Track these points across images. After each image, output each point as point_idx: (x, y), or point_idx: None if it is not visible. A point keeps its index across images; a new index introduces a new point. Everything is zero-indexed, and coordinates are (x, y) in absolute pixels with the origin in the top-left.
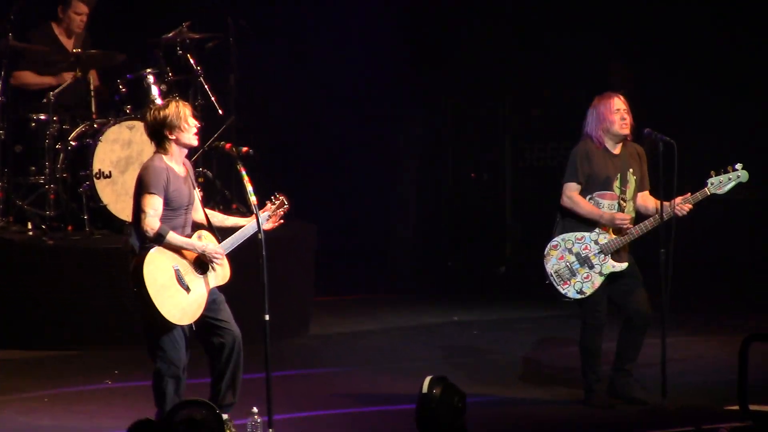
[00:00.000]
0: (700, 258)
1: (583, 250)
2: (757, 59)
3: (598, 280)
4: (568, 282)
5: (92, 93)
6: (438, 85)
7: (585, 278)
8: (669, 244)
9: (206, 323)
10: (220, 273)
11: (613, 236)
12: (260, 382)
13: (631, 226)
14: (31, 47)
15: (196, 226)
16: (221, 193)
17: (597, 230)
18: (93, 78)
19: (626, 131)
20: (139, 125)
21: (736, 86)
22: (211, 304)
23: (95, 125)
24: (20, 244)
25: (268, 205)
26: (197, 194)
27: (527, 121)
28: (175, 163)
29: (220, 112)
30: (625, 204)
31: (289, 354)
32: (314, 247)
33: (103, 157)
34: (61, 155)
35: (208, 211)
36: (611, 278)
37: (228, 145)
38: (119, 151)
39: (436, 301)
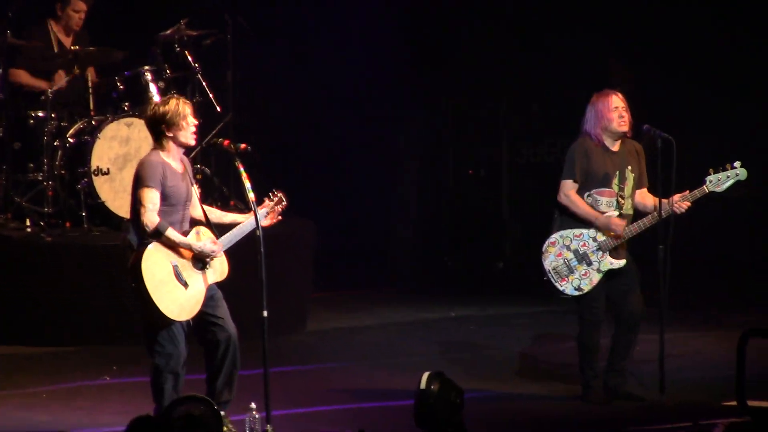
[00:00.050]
0: (699, 256)
1: (581, 247)
2: (757, 59)
3: (596, 277)
4: (566, 279)
5: (90, 90)
6: (438, 86)
7: (583, 275)
8: (667, 240)
9: (203, 319)
10: (219, 269)
11: (612, 233)
12: (258, 378)
13: (623, 234)
14: (29, 44)
15: (194, 223)
16: (219, 189)
17: (595, 227)
18: (91, 74)
19: (624, 129)
20: (137, 122)
21: (736, 86)
22: (208, 300)
23: (93, 122)
24: (18, 241)
25: (266, 201)
26: (195, 191)
27: (528, 122)
28: (172, 159)
29: (218, 109)
30: (623, 201)
31: (286, 350)
32: (312, 243)
33: (101, 154)
34: (60, 152)
35: (206, 207)
36: (609, 275)
37: (226, 142)
38: (117, 148)
39: (433, 297)
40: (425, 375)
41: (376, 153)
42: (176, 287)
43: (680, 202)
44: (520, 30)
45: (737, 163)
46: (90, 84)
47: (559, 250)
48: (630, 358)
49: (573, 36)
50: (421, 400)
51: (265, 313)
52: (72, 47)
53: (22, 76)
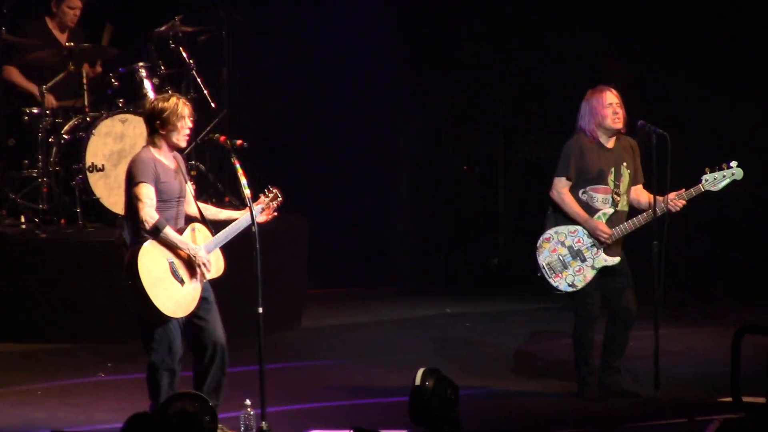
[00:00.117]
0: (694, 254)
1: (576, 243)
2: (756, 58)
3: (590, 274)
4: (560, 275)
5: (85, 86)
6: (437, 85)
7: (577, 271)
8: (662, 237)
9: (192, 322)
10: (215, 266)
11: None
12: (253, 375)
13: (610, 241)
14: (23, 41)
15: (190, 220)
16: (214, 186)
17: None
18: (87, 69)
19: (619, 125)
20: (132, 119)
21: (735, 85)
22: (202, 302)
23: (88, 119)
24: (13, 238)
25: (262, 197)
26: (189, 187)
27: (527, 120)
28: (164, 156)
29: (213, 105)
30: (619, 198)
31: (282, 347)
32: (308, 240)
33: (96, 150)
34: (54, 149)
35: (201, 204)
36: (604, 273)
37: (222, 138)
38: (112, 145)
39: (429, 294)
40: (420, 371)
41: (375, 151)
42: (172, 284)
43: (676, 200)
44: (519, 29)
45: (733, 163)
46: (85, 81)
47: (553, 246)
48: (624, 355)
49: (572, 35)
50: (416, 397)
51: (261, 310)
52: (67, 44)
53: (15, 76)
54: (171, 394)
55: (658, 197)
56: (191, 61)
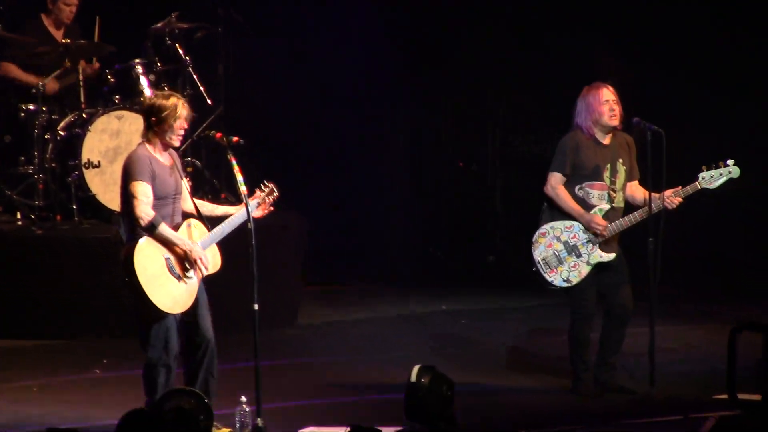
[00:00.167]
0: (691, 251)
1: (572, 238)
2: (755, 57)
3: (585, 270)
4: (555, 270)
5: (81, 83)
6: (437, 85)
7: (572, 267)
8: (658, 233)
9: (185, 320)
10: (212, 262)
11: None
12: (249, 371)
13: (606, 233)
14: (19, 38)
15: (186, 216)
16: (210, 182)
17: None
18: (83, 66)
19: (615, 122)
20: (128, 115)
21: (734, 84)
22: (196, 300)
23: (84, 115)
24: (9, 234)
25: (258, 192)
26: (185, 184)
27: (527, 120)
28: (159, 153)
29: (209, 102)
30: (615, 194)
31: (278, 343)
32: (304, 236)
33: (92, 146)
34: (50, 145)
35: (197, 200)
36: (599, 269)
37: (218, 135)
38: (108, 141)
39: (425, 291)
40: (416, 368)
41: (374, 151)
42: (169, 280)
43: (672, 198)
44: (518, 29)
45: (730, 161)
46: (81, 77)
47: (549, 241)
48: (620, 352)
49: (572, 35)
50: (411, 394)
51: (257, 306)
52: (63, 40)
53: (13, 70)
54: (167, 391)
55: (654, 194)
56: (187, 58)
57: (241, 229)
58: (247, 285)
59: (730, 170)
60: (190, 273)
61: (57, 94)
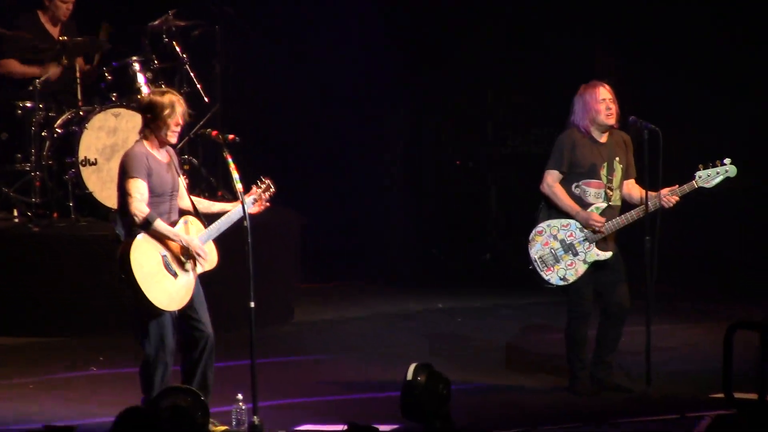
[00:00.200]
0: (687, 250)
1: (568, 237)
2: (755, 56)
3: (581, 268)
4: (552, 268)
5: (78, 80)
6: (437, 85)
7: (569, 265)
8: (654, 232)
9: (184, 317)
10: (208, 259)
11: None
12: (245, 369)
13: (604, 231)
14: (16, 35)
15: (183, 213)
16: (207, 180)
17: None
18: (80, 63)
19: (612, 121)
20: (125, 113)
21: (733, 83)
22: (194, 297)
23: (81, 113)
24: (5, 232)
25: (254, 188)
26: (182, 181)
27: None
28: (156, 150)
29: (206, 99)
30: (611, 193)
31: (274, 340)
32: (300, 234)
33: (89, 144)
34: (47, 142)
35: (194, 198)
36: (596, 267)
37: (215, 133)
38: (105, 139)
39: (420, 289)
40: (412, 366)
41: (373, 150)
42: (165, 277)
43: (669, 196)
44: (518, 29)
45: (727, 160)
46: (78, 74)
47: (545, 240)
48: (617, 350)
49: (572, 35)
50: (407, 392)
51: (253, 304)
52: (60, 37)
53: (12, 65)
54: (163, 389)
55: (651, 193)
56: (184, 56)
57: (238, 227)
58: (243, 282)
59: (727, 169)
60: (188, 269)
61: (51, 80)
